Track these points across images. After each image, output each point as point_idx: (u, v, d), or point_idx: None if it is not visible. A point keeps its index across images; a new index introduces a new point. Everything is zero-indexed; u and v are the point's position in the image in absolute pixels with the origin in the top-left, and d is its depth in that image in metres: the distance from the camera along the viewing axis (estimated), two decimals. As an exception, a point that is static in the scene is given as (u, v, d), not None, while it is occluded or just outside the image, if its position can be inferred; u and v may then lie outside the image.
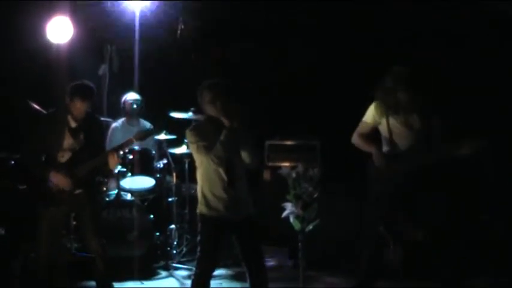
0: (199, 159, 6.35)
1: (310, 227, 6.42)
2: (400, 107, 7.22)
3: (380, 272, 7.53)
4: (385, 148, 7.32)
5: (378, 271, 7.51)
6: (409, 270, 8.13)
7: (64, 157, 6.92)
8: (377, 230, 7.34)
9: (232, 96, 6.29)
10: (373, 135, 7.38)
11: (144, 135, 7.23)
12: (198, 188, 6.42)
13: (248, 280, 6.47)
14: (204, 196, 6.37)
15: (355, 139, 7.39)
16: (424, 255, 7.88)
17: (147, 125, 9.32)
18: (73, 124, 6.94)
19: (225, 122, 6.22)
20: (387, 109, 7.24)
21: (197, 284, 6.45)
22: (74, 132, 6.94)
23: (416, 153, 7.16)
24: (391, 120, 7.22)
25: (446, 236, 7.39)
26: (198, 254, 6.43)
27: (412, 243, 7.94)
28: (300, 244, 6.49)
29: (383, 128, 7.31)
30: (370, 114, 7.34)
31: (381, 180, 7.20)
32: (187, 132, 6.40)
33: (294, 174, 6.38)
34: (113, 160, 6.93)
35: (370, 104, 7.47)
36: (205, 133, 6.29)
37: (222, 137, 6.19)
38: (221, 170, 6.26)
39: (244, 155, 6.34)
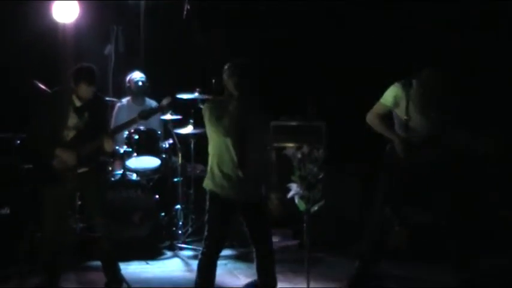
0: (211, 133, 6.37)
1: (316, 207, 6.40)
2: (424, 96, 7.16)
3: (383, 254, 7.55)
4: (399, 132, 7.24)
5: (381, 253, 7.52)
6: (414, 253, 8.14)
7: (69, 136, 6.94)
8: (384, 213, 7.34)
9: (250, 75, 6.34)
10: (388, 117, 7.33)
11: (148, 113, 7.22)
12: (209, 163, 6.46)
13: (255, 261, 6.49)
14: (212, 171, 6.40)
15: (372, 120, 7.28)
16: (431, 238, 7.89)
17: (153, 104, 9.29)
18: (78, 103, 6.96)
19: (235, 93, 6.28)
20: (409, 94, 7.15)
21: (204, 264, 6.47)
22: (78, 111, 6.95)
23: (434, 143, 7.13)
24: (411, 105, 7.14)
25: (457, 222, 7.39)
26: (206, 232, 6.45)
27: (419, 226, 7.95)
28: (304, 225, 6.48)
29: (400, 112, 7.19)
30: (390, 95, 7.20)
31: (398, 166, 7.17)
32: (204, 105, 6.49)
33: (299, 155, 6.36)
34: (108, 143, 6.95)
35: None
36: (219, 106, 6.33)
37: (230, 107, 6.24)
38: (231, 147, 6.28)
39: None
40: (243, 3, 10.17)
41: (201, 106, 8.50)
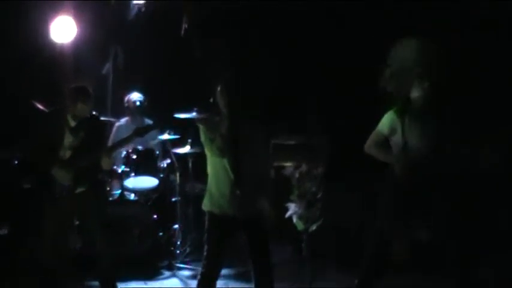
0: (208, 154, 6.37)
1: (314, 227, 6.41)
2: (417, 113, 7.17)
3: (382, 271, 7.53)
4: (398, 155, 7.25)
5: (380, 270, 7.50)
6: (413, 268, 8.11)
7: (66, 155, 6.94)
8: (384, 230, 7.34)
9: (240, 91, 6.33)
10: (385, 142, 7.33)
11: (144, 130, 7.21)
12: (208, 182, 6.45)
13: (253, 278, 6.47)
14: (210, 191, 6.39)
15: (370, 149, 7.30)
16: (429, 254, 7.87)
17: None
18: (72, 123, 6.96)
19: (227, 113, 6.27)
20: (403, 117, 7.16)
21: (203, 284, 6.44)
22: (73, 131, 6.96)
23: (435, 161, 7.14)
24: (406, 129, 7.16)
25: (457, 238, 7.38)
26: (204, 252, 6.43)
27: (418, 242, 7.93)
28: (303, 244, 6.48)
29: (397, 137, 7.24)
30: (386, 123, 7.25)
31: (399, 185, 7.17)
32: (200, 127, 6.44)
33: (297, 174, 6.37)
34: (105, 161, 6.95)
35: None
36: (214, 126, 6.32)
37: (222, 129, 6.23)
38: (228, 168, 6.27)
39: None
40: (243, 17, 10.17)
41: (200, 126, 8.52)
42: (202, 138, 6.34)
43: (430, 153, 7.17)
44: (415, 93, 7.13)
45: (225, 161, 6.26)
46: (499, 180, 8.22)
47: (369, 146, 7.32)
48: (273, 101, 9.57)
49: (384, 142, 7.32)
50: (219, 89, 6.35)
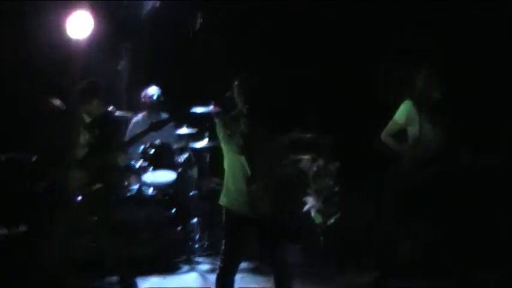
0: (225, 150, 6.38)
1: (332, 220, 6.40)
2: (433, 105, 7.18)
3: (394, 268, 7.53)
4: (412, 147, 7.26)
5: (392, 267, 7.50)
6: (422, 267, 8.07)
7: (82, 152, 6.93)
8: (392, 227, 7.34)
9: (258, 90, 6.34)
10: (401, 133, 7.35)
11: (160, 124, 7.20)
12: (224, 178, 6.45)
13: (273, 274, 6.47)
14: (226, 187, 6.40)
15: (386, 138, 7.37)
16: (437, 253, 7.85)
17: (168, 119, 9.35)
18: (88, 119, 6.96)
19: (245, 112, 6.30)
20: (421, 108, 7.18)
21: (222, 278, 6.46)
22: (89, 128, 6.95)
23: (445, 156, 7.14)
24: (423, 120, 7.17)
25: (461, 235, 7.38)
26: (222, 247, 6.44)
27: (426, 240, 7.91)
28: (321, 238, 6.47)
29: (413, 127, 7.24)
30: (403, 113, 7.27)
31: (406, 182, 7.17)
32: (217, 122, 6.47)
33: (314, 168, 6.36)
34: (121, 156, 6.96)
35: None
36: (231, 122, 6.35)
37: (241, 126, 6.25)
38: (245, 164, 6.26)
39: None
40: (256, 14, 10.14)
41: (215, 120, 8.50)
42: (220, 134, 6.37)
43: (440, 148, 7.18)
44: (432, 90, 7.12)
45: (242, 158, 6.26)
46: (499, 180, 8.17)
47: (385, 134, 7.36)
48: (287, 99, 9.58)
49: (400, 132, 7.33)
50: (237, 85, 6.38)
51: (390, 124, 7.37)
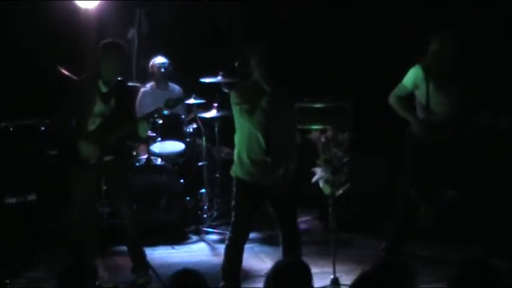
0: (240, 122, 6.34)
1: (340, 191, 6.39)
2: (442, 72, 7.16)
3: (411, 235, 7.54)
4: (420, 114, 7.28)
5: (408, 234, 7.52)
6: (440, 233, 8.08)
7: (95, 123, 6.89)
8: (410, 194, 7.34)
9: (278, 62, 6.32)
10: (409, 99, 7.34)
11: (174, 103, 7.16)
12: (236, 150, 6.45)
13: (281, 244, 6.49)
14: (240, 159, 6.38)
15: (393, 101, 7.35)
16: (456, 219, 7.85)
17: (176, 88, 9.32)
18: (104, 89, 6.89)
19: (266, 88, 6.25)
20: (429, 74, 7.16)
21: (231, 249, 6.49)
22: (104, 98, 6.89)
23: (455, 123, 7.12)
24: (431, 87, 7.15)
25: (480, 200, 7.38)
26: (233, 218, 6.46)
27: (445, 205, 7.90)
28: (330, 208, 6.46)
29: (421, 94, 7.23)
30: (411, 78, 7.24)
31: (418, 147, 7.18)
32: (232, 94, 6.42)
33: (323, 139, 6.33)
34: (143, 127, 6.91)
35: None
36: (249, 96, 6.30)
37: (263, 103, 6.21)
38: (260, 136, 6.25)
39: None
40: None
41: (225, 90, 8.49)
42: (237, 106, 6.31)
43: (452, 113, 7.16)
44: (445, 51, 7.10)
45: (259, 132, 6.25)
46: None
47: (392, 98, 7.35)
48: (298, 66, 9.55)
49: (408, 97, 7.32)
50: (256, 56, 6.30)
51: (398, 88, 7.35)
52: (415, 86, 7.24)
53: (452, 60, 7.18)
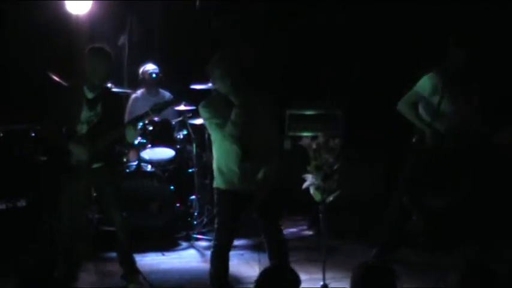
0: (214, 135, 6.34)
1: (331, 198, 6.39)
2: (456, 81, 7.12)
3: (402, 243, 7.55)
4: (427, 119, 7.21)
5: (399, 242, 7.52)
6: (431, 243, 8.08)
7: (82, 130, 6.88)
8: (403, 202, 7.34)
9: (245, 70, 6.26)
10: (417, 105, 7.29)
11: (161, 107, 7.15)
12: (214, 161, 6.43)
13: (266, 250, 6.49)
14: (219, 169, 6.37)
15: (404, 108, 7.24)
16: (448, 229, 7.86)
17: (167, 95, 9.31)
18: (90, 95, 6.88)
19: (234, 101, 6.18)
20: (446, 81, 7.10)
21: (216, 256, 6.49)
22: (90, 104, 6.87)
23: (463, 132, 7.11)
24: (446, 95, 7.09)
25: (473, 210, 7.39)
26: (216, 225, 6.47)
27: (436, 214, 7.92)
28: (320, 215, 6.47)
29: (433, 101, 7.15)
30: (427, 85, 7.14)
31: (428, 156, 7.16)
32: (200, 108, 6.35)
33: (314, 145, 6.34)
34: (130, 133, 6.89)
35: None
36: (218, 109, 6.24)
37: (232, 117, 6.14)
38: (235, 146, 6.25)
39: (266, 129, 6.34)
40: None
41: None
42: (207, 122, 6.31)
43: (461, 122, 7.13)
44: (454, 61, 7.08)
45: (234, 142, 6.23)
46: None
47: (403, 105, 7.24)
48: (289, 72, 9.57)
49: (416, 103, 7.27)
50: (219, 70, 6.16)
51: (410, 95, 7.24)
52: (432, 93, 7.15)
53: (465, 66, 7.13)
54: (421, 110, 7.25)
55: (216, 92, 6.44)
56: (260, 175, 6.28)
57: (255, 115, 6.25)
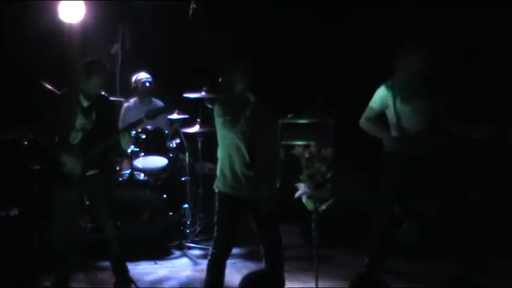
0: (223, 134, 6.37)
1: (323, 207, 6.40)
2: (410, 87, 7.22)
3: (391, 251, 7.57)
4: (393, 132, 7.35)
5: (389, 250, 7.54)
6: (422, 250, 8.10)
7: (77, 137, 6.90)
8: (390, 210, 7.38)
9: (258, 75, 6.43)
10: (381, 119, 7.41)
11: (155, 113, 7.20)
12: (218, 165, 6.46)
13: (264, 260, 6.50)
14: (222, 173, 6.41)
15: (363, 124, 7.46)
16: (438, 235, 7.88)
17: (159, 104, 9.31)
18: (85, 103, 6.92)
19: (251, 98, 6.33)
20: (395, 92, 7.24)
21: (213, 264, 6.49)
22: (85, 112, 6.92)
23: (427, 136, 7.19)
24: (398, 104, 7.24)
25: (453, 216, 7.45)
26: (215, 233, 6.47)
27: (426, 222, 7.93)
28: (313, 224, 6.48)
29: (390, 113, 7.33)
30: (377, 98, 7.36)
31: (394, 164, 7.24)
32: (216, 106, 6.47)
33: (306, 154, 6.35)
34: (124, 140, 6.92)
35: (383, 81, 7.45)
36: (233, 107, 6.35)
37: (247, 113, 6.27)
38: (243, 148, 6.27)
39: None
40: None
41: (209, 105, 8.51)
42: (219, 118, 6.35)
43: (424, 128, 7.22)
44: (410, 65, 7.17)
45: (242, 144, 6.28)
46: (494, 153, 8.22)
47: (362, 121, 7.43)
48: (282, 82, 9.59)
49: (378, 117, 7.39)
50: (237, 70, 6.40)
51: (366, 110, 7.46)
52: (383, 106, 7.32)
53: (420, 72, 7.22)
54: (389, 123, 7.37)
55: (232, 94, 6.50)
56: (266, 187, 6.31)
57: (265, 123, 6.36)
